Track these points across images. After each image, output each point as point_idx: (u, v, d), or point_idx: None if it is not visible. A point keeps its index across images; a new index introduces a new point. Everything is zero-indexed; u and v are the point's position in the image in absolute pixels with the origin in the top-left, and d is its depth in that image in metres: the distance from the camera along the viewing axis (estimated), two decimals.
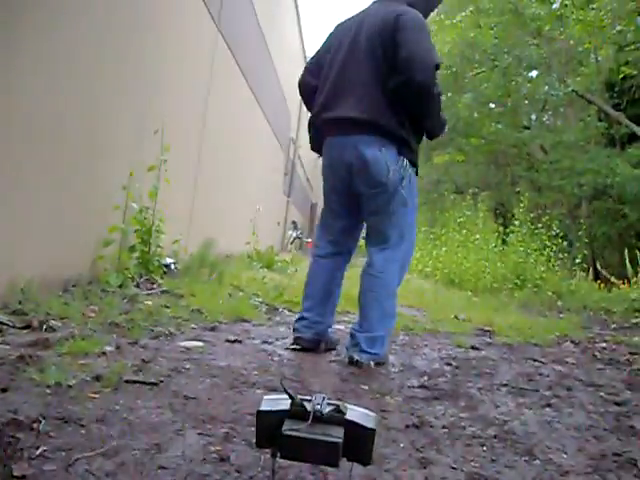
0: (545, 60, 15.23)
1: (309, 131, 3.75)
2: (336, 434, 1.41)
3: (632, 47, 13.73)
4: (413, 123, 3.40)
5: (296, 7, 15.77)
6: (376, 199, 3.40)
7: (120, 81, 4.65)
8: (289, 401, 1.46)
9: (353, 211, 3.60)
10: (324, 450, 1.40)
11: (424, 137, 3.63)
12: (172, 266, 5.69)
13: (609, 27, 13.33)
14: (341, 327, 4.40)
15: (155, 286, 4.85)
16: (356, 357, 3.28)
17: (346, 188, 3.50)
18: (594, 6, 13.98)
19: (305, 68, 3.75)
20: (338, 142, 3.43)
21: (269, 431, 1.46)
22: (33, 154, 3.52)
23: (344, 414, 1.44)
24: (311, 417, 1.41)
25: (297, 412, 1.44)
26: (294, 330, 3.61)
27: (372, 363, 3.28)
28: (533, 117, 20.15)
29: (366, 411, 1.49)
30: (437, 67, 3.23)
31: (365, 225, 3.63)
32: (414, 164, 3.48)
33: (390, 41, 3.29)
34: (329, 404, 1.46)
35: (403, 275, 3.61)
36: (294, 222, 20.31)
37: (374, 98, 3.32)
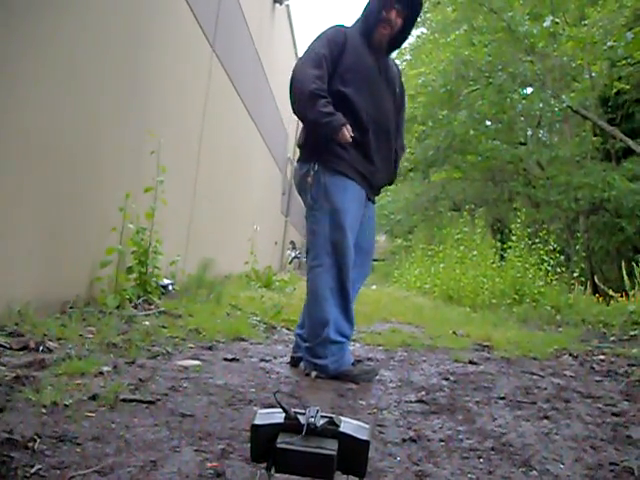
0: (539, 76, 15.28)
1: None
2: (330, 447, 1.41)
3: (624, 62, 13.79)
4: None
5: (290, 26, 15.85)
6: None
7: (116, 103, 4.67)
8: (283, 415, 1.46)
9: None
10: (318, 463, 1.40)
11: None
12: (170, 287, 5.70)
13: (600, 43, 13.39)
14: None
15: (153, 307, 4.84)
16: (301, 365, 3.44)
17: None
18: (586, 22, 14.07)
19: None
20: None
21: (264, 445, 1.46)
22: (30, 177, 3.53)
23: (338, 426, 1.44)
24: (305, 430, 1.42)
25: (291, 425, 1.44)
26: (293, 350, 3.65)
27: (314, 373, 3.30)
28: (529, 133, 20.19)
29: (360, 423, 1.50)
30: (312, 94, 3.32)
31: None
32: (335, 170, 3.44)
33: None
34: (323, 417, 1.46)
35: (345, 282, 3.44)
36: (292, 242, 20.32)
37: None
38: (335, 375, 3.30)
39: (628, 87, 15.16)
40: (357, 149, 3.44)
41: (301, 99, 3.34)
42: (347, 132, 3.31)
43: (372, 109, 3.49)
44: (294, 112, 3.46)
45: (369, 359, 4.05)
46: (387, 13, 3.54)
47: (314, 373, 3.30)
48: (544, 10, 15.32)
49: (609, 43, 13.06)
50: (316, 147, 3.43)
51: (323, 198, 3.41)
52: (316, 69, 3.34)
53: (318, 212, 3.44)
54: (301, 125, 3.61)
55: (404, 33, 3.71)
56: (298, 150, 3.62)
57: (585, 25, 13.93)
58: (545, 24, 14.45)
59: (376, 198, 3.81)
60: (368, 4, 3.58)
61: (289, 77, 3.40)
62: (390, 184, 3.86)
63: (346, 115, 3.33)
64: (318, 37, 3.52)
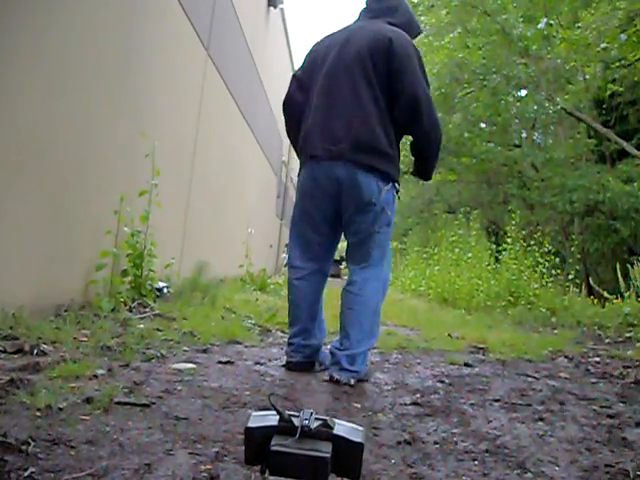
0: (533, 79, 15.31)
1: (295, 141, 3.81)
2: (324, 449, 1.41)
3: (618, 64, 13.83)
4: (399, 144, 3.51)
5: (285, 29, 15.87)
6: (364, 219, 3.42)
7: (110, 106, 4.67)
8: (277, 417, 1.46)
9: (335, 229, 3.64)
10: (312, 465, 1.40)
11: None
12: (165, 290, 5.69)
13: (594, 45, 13.44)
14: None
15: (148, 310, 4.83)
16: (336, 375, 3.29)
17: (332, 206, 3.51)
18: (579, 25, 14.11)
19: (293, 85, 3.73)
20: (329, 162, 3.43)
21: (258, 447, 1.45)
22: (23, 180, 3.53)
23: (332, 429, 1.44)
24: (299, 432, 1.42)
25: (285, 428, 1.44)
26: (286, 354, 3.65)
27: (352, 381, 3.28)
28: (523, 135, 20.23)
29: (354, 426, 1.49)
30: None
31: (347, 243, 3.65)
32: (399, 183, 3.53)
33: (383, 64, 3.40)
34: (317, 419, 1.46)
35: (386, 292, 3.63)
36: (287, 245, 20.30)
37: (366, 120, 3.38)
38: (363, 378, 3.39)
39: (622, 89, 15.20)
40: None
41: (440, 129, 3.55)
42: None
43: None
44: (431, 133, 3.50)
45: None
46: None
47: (353, 380, 3.28)
48: (538, 13, 15.35)
49: (603, 45, 13.10)
50: (398, 160, 3.52)
51: (393, 216, 3.54)
52: None
53: (390, 231, 3.55)
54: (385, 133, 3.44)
55: None
56: (367, 154, 3.41)
57: (579, 27, 13.98)
58: (539, 26, 14.48)
59: None
60: (411, 23, 3.73)
61: (415, 96, 3.40)
62: None
63: None
64: (416, 49, 3.52)
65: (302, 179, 3.63)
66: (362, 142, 3.36)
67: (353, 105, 3.41)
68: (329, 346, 3.57)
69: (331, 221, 3.58)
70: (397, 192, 3.51)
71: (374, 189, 3.36)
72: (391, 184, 3.43)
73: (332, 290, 4.91)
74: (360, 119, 3.38)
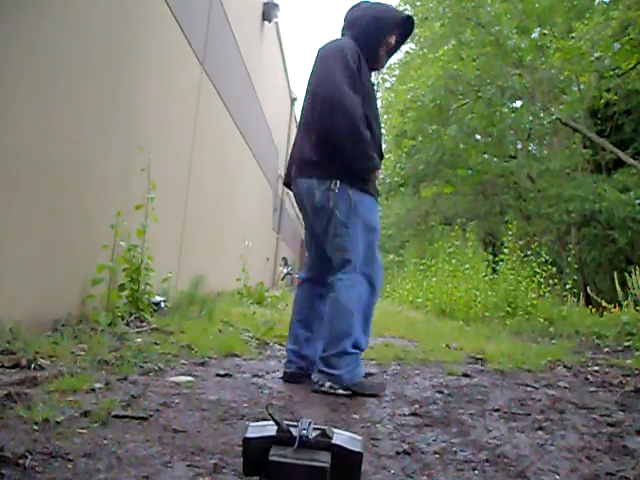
0: (528, 89, 15.38)
1: None
2: (323, 459, 1.40)
3: (611, 73, 13.90)
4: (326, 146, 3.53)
5: (280, 44, 15.90)
6: (318, 224, 3.56)
7: (106, 120, 4.67)
8: (275, 427, 1.46)
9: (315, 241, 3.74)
10: (311, 475, 1.39)
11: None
12: (162, 304, 5.67)
13: (588, 54, 13.50)
14: None
15: (145, 324, 4.82)
16: (313, 377, 3.36)
17: (306, 220, 3.72)
18: (573, 35, 14.19)
19: None
20: (298, 181, 3.61)
21: (256, 458, 1.45)
22: (19, 195, 3.52)
23: (331, 438, 1.44)
24: (297, 442, 1.41)
25: (283, 438, 1.43)
26: (284, 365, 3.66)
27: (328, 384, 3.29)
28: (519, 146, 20.29)
29: (353, 435, 1.49)
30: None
31: None
32: (362, 189, 3.50)
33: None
34: (315, 429, 1.45)
35: (371, 293, 3.52)
36: (284, 258, 20.30)
37: (303, 137, 3.60)
38: (348, 386, 3.31)
39: (616, 98, 15.28)
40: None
41: (350, 124, 3.33)
42: (378, 175, 3.60)
43: (379, 133, 3.65)
44: (334, 132, 3.39)
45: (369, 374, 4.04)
46: (389, 38, 3.75)
47: (328, 384, 3.29)
48: (531, 24, 15.44)
49: (596, 54, 13.17)
50: (341, 165, 3.44)
51: (354, 216, 3.45)
52: (356, 93, 3.39)
53: (352, 229, 3.46)
54: (314, 141, 3.53)
55: (395, 49, 3.94)
56: (306, 165, 3.55)
57: (573, 37, 14.05)
58: (533, 35, 14.57)
59: None
60: (368, 28, 3.67)
61: (315, 91, 3.49)
62: None
63: None
64: (341, 49, 3.50)
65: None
66: (299, 157, 3.61)
67: (306, 127, 3.62)
68: None
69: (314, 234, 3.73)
70: (339, 189, 3.43)
71: (313, 193, 3.47)
72: (328, 183, 3.43)
73: None
74: (307, 140, 3.57)
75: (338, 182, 3.43)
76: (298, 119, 3.71)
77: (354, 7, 3.79)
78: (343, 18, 3.80)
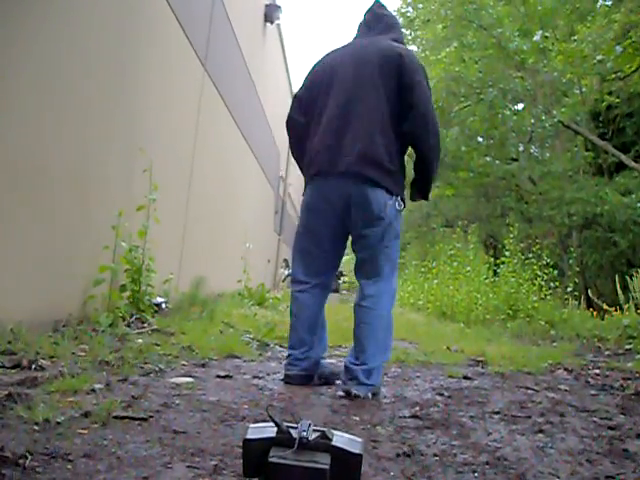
0: (530, 92, 15.38)
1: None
2: (323, 460, 1.40)
3: (613, 76, 13.90)
4: (402, 160, 3.56)
5: (282, 45, 15.91)
6: (373, 233, 3.45)
7: (109, 121, 4.68)
8: (275, 429, 1.46)
9: (339, 244, 3.66)
10: (311, 477, 1.39)
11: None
12: (163, 305, 5.68)
13: (590, 57, 13.50)
14: (333, 361, 4.38)
15: (146, 325, 4.82)
16: (354, 391, 3.28)
17: (339, 221, 3.53)
18: (575, 38, 14.18)
19: (294, 105, 3.78)
20: (336, 178, 3.46)
21: (256, 459, 1.45)
22: (21, 195, 3.53)
23: (330, 440, 1.44)
24: (297, 444, 1.41)
25: (283, 439, 1.43)
26: (284, 367, 3.65)
27: (370, 395, 3.28)
28: (521, 149, 20.27)
29: (352, 437, 1.49)
30: None
31: (356, 258, 3.64)
32: (402, 198, 3.55)
33: (394, 79, 3.45)
34: (315, 431, 1.45)
35: (393, 305, 3.62)
36: (285, 260, 20.29)
37: (371, 135, 3.42)
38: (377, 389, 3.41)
39: (618, 101, 15.27)
40: None
41: (439, 149, 3.60)
42: None
43: None
44: (431, 153, 3.55)
45: None
46: None
47: (370, 395, 3.29)
48: (533, 26, 15.43)
49: (599, 57, 13.16)
50: (402, 178, 3.54)
51: (400, 230, 3.59)
52: None
53: (398, 244, 3.61)
54: (394, 149, 3.54)
55: None
56: (373, 167, 3.42)
57: (575, 40, 14.05)
58: (535, 38, 14.56)
59: None
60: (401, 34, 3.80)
61: (425, 112, 3.46)
62: None
63: None
64: (423, 68, 3.58)
65: (308, 195, 3.64)
66: (367, 156, 3.39)
67: (361, 121, 3.45)
68: (343, 360, 3.60)
69: (336, 236, 3.61)
70: (402, 206, 3.52)
71: (381, 203, 3.40)
72: (394, 198, 3.45)
73: (330, 305, 4.89)
74: (366, 134, 3.41)
75: (400, 199, 3.51)
76: (331, 110, 3.52)
77: (379, 4, 3.80)
78: (371, 13, 3.78)
